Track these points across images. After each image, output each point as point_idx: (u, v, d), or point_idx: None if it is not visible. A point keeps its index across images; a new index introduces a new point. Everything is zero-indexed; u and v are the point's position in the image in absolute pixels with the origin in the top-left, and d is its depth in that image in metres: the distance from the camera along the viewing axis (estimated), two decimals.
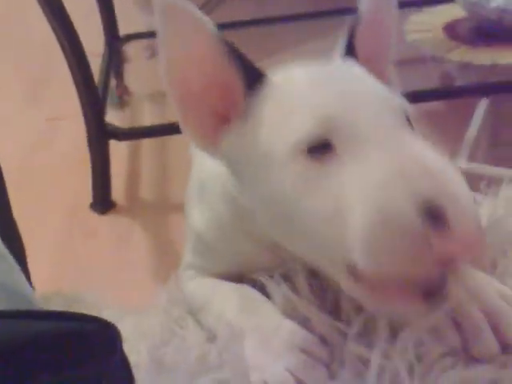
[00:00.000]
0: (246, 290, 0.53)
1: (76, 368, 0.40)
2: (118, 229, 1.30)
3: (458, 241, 0.37)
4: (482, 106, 1.23)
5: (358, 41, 0.52)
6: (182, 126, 0.49)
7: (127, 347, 0.58)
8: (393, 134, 0.42)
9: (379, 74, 0.50)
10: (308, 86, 0.47)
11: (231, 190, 0.52)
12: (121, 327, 0.64)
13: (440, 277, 0.39)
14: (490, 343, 0.44)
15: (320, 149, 0.42)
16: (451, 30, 1.42)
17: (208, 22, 0.46)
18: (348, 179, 0.40)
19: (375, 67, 0.51)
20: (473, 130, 1.16)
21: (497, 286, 0.47)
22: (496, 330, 0.44)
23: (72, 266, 1.21)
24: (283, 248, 0.49)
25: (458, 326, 0.45)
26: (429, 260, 0.37)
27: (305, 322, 0.48)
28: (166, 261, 1.18)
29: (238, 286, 0.54)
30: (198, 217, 0.58)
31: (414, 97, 1.42)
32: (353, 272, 0.40)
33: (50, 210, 1.35)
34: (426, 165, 0.39)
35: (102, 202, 1.34)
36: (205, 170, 0.57)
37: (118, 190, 1.37)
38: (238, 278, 0.56)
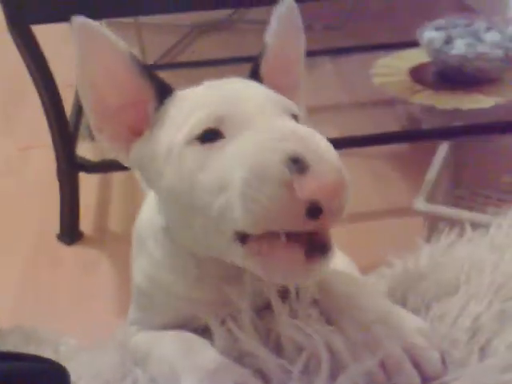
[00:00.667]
0: (185, 334, 0.55)
1: None
2: (85, 260, 1.30)
3: (318, 183, 0.40)
4: (443, 148, 1.26)
5: (264, 70, 0.57)
6: (95, 135, 0.53)
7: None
8: (270, 116, 0.47)
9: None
10: (204, 91, 0.52)
11: (159, 222, 0.55)
12: (75, 364, 0.65)
13: (320, 234, 0.44)
14: (412, 378, 0.46)
15: (211, 138, 0.47)
16: (416, 73, 1.47)
17: (122, 43, 0.51)
18: (228, 154, 0.45)
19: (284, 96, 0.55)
20: (433, 171, 1.20)
21: (415, 321, 0.49)
22: (417, 364, 0.46)
23: (36, 296, 1.21)
24: (224, 280, 0.52)
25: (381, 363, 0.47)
26: (295, 205, 0.40)
27: (245, 361, 0.49)
28: (130, 294, 1.18)
29: (178, 331, 0.56)
30: (137, 269, 0.60)
31: (378, 139, 1.47)
32: (241, 239, 0.45)
33: (17, 239, 1.35)
34: (294, 130, 0.44)
35: (70, 232, 1.35)
36: (140, 221, 0.60)
37: (86, 220, 1.38)
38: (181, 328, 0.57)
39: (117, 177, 1.51)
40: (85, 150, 1.40)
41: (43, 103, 1.26)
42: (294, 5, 0.57)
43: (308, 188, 0.40)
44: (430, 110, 1.39)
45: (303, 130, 0.45)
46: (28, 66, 1.21)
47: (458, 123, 1.36)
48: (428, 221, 1.13)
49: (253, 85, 0.53)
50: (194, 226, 0.49)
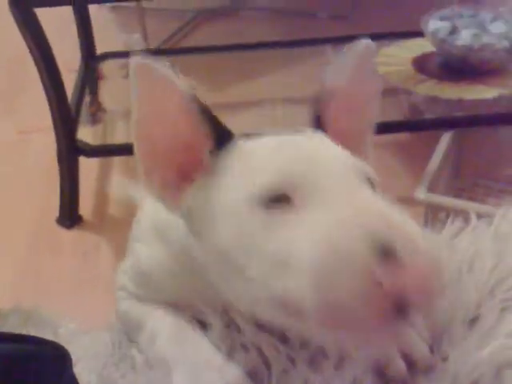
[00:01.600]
0: (181, 318, 0.54)
1: None
2: (84, 244, 1.30)
3: (408, 277, 0.35)
4: (445, 139, 1.26)
5: (328, 114, 0.52)
6: (144, 182, 0.48)
7: (80, 366, 0.59)
8: (350, 189, 0.42)
9: (354, 148, 0.49)
10: (273, 147, 0.47)
11: (186, 242, 0.51)
12: (75, 346, 0.65)
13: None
14: (399, 367, 0.47)
15: (279, 203, 0.42)
16: (420, 64, 1.46)
17: (181, 82, 0.47)
18: (302, 225, 0.40)
19: (350, 142, 0.50)
20: (435, 161, 1.19)
21: None
22: (406, 355, 0.47)
23: (36, 280, 1.21)
24: None
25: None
26: (378, 298, 0.35)
27: (239, 355, 0.49)
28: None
29: (173, 312, 0.55)
30: (148, 255, 0.57)
31: (381, 128, 1.46)
32: (302, 318, 0.39)
33: (16, 223, 1.35)
34: (380, 210, 0.39)
35: (69, 216, 1.35)
36: (161, 215, 0.56)
37: (85, 205, 1.38)
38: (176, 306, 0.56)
39: (117, 162, 1.50)
40: (85, 134, 1.39)
41: (45, 87, 1.25)
42: (373, 46, 0.53)
43: (397, 284, 0.35)
44: (433, 99, 1.39)
45: (388, 208, 0.39)
46: (30, 50, 1.20)
47: (460, 114, 1.36)
48: (429, 211, 1.13)
49: (329, 145, 0.48)
50: (230, 282, 0.45)
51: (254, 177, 0.44)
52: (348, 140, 0.50)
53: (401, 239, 0.36)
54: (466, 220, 0.61)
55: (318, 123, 0.52)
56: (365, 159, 0.48)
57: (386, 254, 0.35)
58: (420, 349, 0.47)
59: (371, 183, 0.45)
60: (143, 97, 0.47)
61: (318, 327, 0.39)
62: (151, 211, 0.59)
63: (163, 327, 0.53)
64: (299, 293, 0.38)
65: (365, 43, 0.52)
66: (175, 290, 0.56)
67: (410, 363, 0.47)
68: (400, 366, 0.47)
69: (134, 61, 0.45)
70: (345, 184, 0.42)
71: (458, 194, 1.29)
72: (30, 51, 1.20)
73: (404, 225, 0.38)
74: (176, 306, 0.56)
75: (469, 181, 1.33)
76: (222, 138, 0.48)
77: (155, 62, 0.46)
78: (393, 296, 0.35)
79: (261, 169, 0.44)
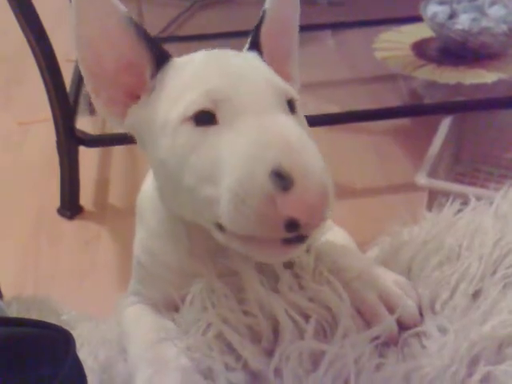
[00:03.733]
0: (164, 323, 0.56)
1: (29, 370, 0.41)
2: (85, 234, 1.30)
3: (300, 202, 0.41)
4: (446, 122, 1.26)
5: (262, 38, 0.56)
6: (92, 100, 0.53)
7: (85, 351, 0.59)
8: (265, 109, 0.46)
9: (281, 68, 0.55)
10: (202, 64, 0.51)
11: (156, 194, 0.56)
12: (79, 332, 0.65)
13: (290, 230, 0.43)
14: (389, 324, 0.49)
15: (205, 119, 0.47)
16: (419, 48, 1.46)
17: (120, 5, 0.50)
18: (222, 146, 0.45)
19: (278, 62, 0.56)
20: (435, 146, 1.19)
21: (393, 276, 0.52)
22: (392, 310, 0.49)
23: (37, 270, 1.21)
24: (215, 253, 0.53)
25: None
26: (275, 220, 0.41)
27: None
28: (131, 268, 1.18)
29: (160, 319, 0.57)
30: (137, 241, 0.61)
31: (381, 114, 1.46)
32: (221, 228, 0.46)
33: (17, 214, 1.34)
34: (282, 136, 0.44)
35: (70, 206, 1.34)
36: (142, 193, 0.61)
37: (86, 195, 1.37)
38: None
39: (117, 151, 1.50)
40: (84, 124, 1.39)
41: (43, 77, 1.25)
42: None
43: (289, 207, 0.41)
44: (432, 85, 1.38)
45: (294, 134, 0.44)
46: (28, 40, 1.20)
47: (460, 98, 1.35)
48: (430, 196, 1.13)
49: (253, 64, 0.53)
50: (180, 198, 0.49)
51: (184, 93, 0.48)
52: (277, 60, 0.56)
53: (296, 165, 0.42)
54: (467, 203, 0.61)
55: (256, 45, 0.56)
56: (290, 80, 0.55)
57: (282, 179, 0.41)
58: (407, 306, 0.49)
59: (291, 105, 0.50)
60: (83, 16, 0.50)
61: (232, 239, 0.45)
62: (138, 204, 0.62)
63: (143, 331, 0.55)
64: (219, 207, 0.44)
65: None
66: (167, 278, 0.58)
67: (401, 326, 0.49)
68: (387, 319, 0.49)
69: None
70: (262, 105, 0.47)
71: (458, 179, 1.29)
72: (28, 42, 1.20)
73: (302, 147, 0.43)
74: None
75: (469, 166, 1.33)
76: (161, 59, 0.52)
77: None
78: (286, 219, 0.41)
79: (189, 85, 0.49)
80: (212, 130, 0.46)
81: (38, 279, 1.18)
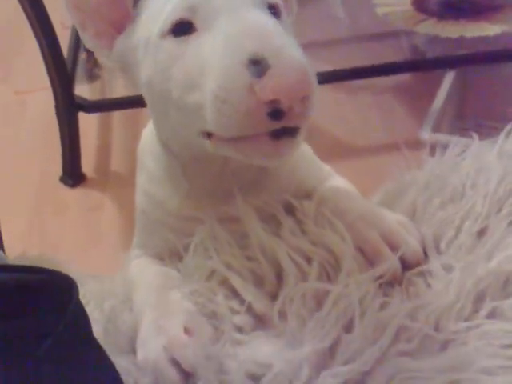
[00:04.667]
0: (168, 271, 0.56)
1: (32, 316, 0.41)
2: (88, 202, 1.29)
3: (278, 83, 0.40)
4: (449, 78, 1.24)
5: None
6: (80, 34, 0.53)
7: (93, 305, 0.59)
8: (239, 8, 0.46)
9: None
10: None
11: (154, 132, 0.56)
12: (84, 291, 0.65)
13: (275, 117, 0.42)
14: (391, 262, 0.48)
15: (184, 29, 0.47)
16: (419, 3, 1.43)
17: None
18: (202, 50, 0.45)
19: None
20: (438, 102, 1.18)
21: (396, 216, 0.52)
22: (395, 248, 0.49)
23: (41, 238, 1.21)
24: (213, 197, 0.53)
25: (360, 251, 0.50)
26: (258, 108, 0.40)
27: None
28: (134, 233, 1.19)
29: (164, 268, 0.57)
30: (138, 187, 0.61)
31: (382, 70, 1.43)
32: (209, 135, 0.46)
33: (20, 183, 1.34)
34: (259, 27, 0.44)
35: (72, 174, 1.34)
36: (142, 139, 0.62)
37: (88, 162, 1.37)
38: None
39: (116, 117, 1.49)
40: (83, 91, 1.38)
41: (40, 44, 1.23)
42: None
43: (267, 89, 0.40)
44: (435, 39, 1.36)
45: (269, 24, 0.44)
46: (24, 8, 1.18)
47: (462, 52, 1.33)
48: (433, 152, 1.12)
49: None
50: (170, 118, 0.49)
51: (163, 8, 0.48)
52: None
53: (270, 51, 0.41)
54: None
55: None
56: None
57: (258, 66, 0.40)
58: (410, 245, 0.49)
59: (276, 10, 0.49)
60: None
61: (221, 144, 0.45)
62: (140, 142, 0.62)
63: (148, 280, 0.56)
64: (205, 112, 0.44)
65: None
66: (166, 223, 0.58)
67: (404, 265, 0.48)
68: (389, 256, 0.48)
69: None
70: (236, 3, 0.46)
71: (461, 134, 1.27)
72: (24, 10, 1.18)
73: (276, 35, 0.43)
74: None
75: (472, 121, 1.31)
76: None
77: None
78: (266, 102, 0.40)
79: (169, 4, 0.48)
80: (191, 38, 0.46)
81: (42, 249, 1.18)
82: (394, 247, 0.49)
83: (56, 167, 1.33)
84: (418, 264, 0.49)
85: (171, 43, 0.47)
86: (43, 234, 1.23)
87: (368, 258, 0.50)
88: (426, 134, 1.09)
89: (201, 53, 0.45)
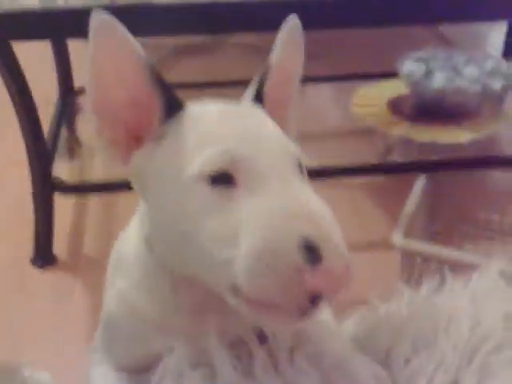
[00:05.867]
0: None
1: None
2: (58, 285, 1.27)
3: (328, 277, 0.42)
4: (421, 182, 1.27)
5: (266, 88, 0.57)
6: (97, 137, 0.52)
7: None
8: (285, 176, 0.47)
9: (282, 119, 0.57)
10: (219, 121, 0.51)
11: (141, 236, 0.55)
12: None
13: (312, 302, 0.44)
14: None
15: (223, 180, 0.46)
16: (395, 105, 1.48)
17: (137, 45, 0.50)
18: (243, 210, 0.45)
19: (279, 112, 0.57)
20: (410, 206, 1.20)
21: (373, 370, 0.52)
22: None
23: (8, 323, 1.18)
24: (200, 310, 0.53)
25: None
26: (300, 292, 0.42)
27: None
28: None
29: None
30: (111, 293, 0.60)
31: (355, 170, 1.47)
32: (236, 292, 0.45)
33: None
34: (308, 207, 0.45)
35: (43, 255, 1.32)
36: (123, 240, 0.61)
37: (60, 244, 1.35)
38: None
39: (92, 201, 1.48)
40: (62, 170, 1.38)
41: (20, 120, 1.23)
42: (298, 23, 0.59)
43: (317, 281, 0.41)
44: (408, 142, 1.41)
45: (314, 204, 0.46)
46: (5, 83, 1.18)
47: (435, 157, 1.37)
48: (405, 255, 1.14)
49: (266, 125, 0.53)
50: (186, 255, 0.48)
51: (200, 149, 0.47)
52: (278, 110, 0.58)
53: (323, 240, 0.43)
54: (442, 271, 0.62)
55: (258, 95, 0.57)
56: (289, 133, 0.56)
57: (311, 253, 0.42)
58: None
59: (301, 166, 0.51)
60: (100, 51, 0.50)
61: (246, 304, 0.45)
62: (113, 252, 0.63)
63: None
64: (235, 269, 0.44)
65: (291, 20, 0.58)
66: (143, 336, 0.57)
67: None
68: None
69: (96, 14, 0.48)
70: (281, 170, 0.47)
71: (433, 237, 1.30)
72: (5, 84, 1.18)
73: (325, 219, 0.45)
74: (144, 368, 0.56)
75: (444, 224, 1.34)
76: (172, 106, 0.52)
77: (116, 20, 0.49)
78: (311, 292, 0.42)
79: (204, 142, 0.48)
80: (230, 192, 0.46)
81: (8, 331, 1.15)
82: None
83: (28, 246, 1.31)
84: None
85: (208, 191, 0.46)
86: (10, 315, 1.19)
87: None
88: (399, 240, 1.11)
89: (242, 211, 0.45)
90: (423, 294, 0.59)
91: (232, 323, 0.54)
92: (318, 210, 0.45)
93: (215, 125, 0.50)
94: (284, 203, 0.44)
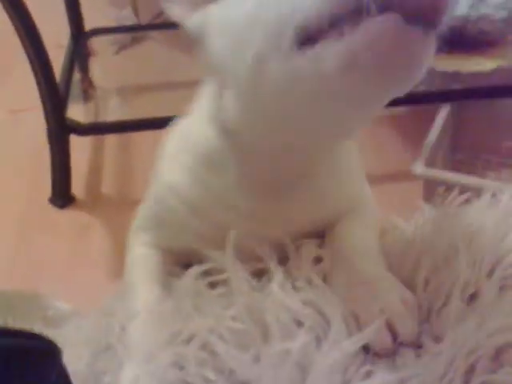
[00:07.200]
0: (163, 298, 0.54)
1: (16, 382, 0.40)
2: (77, 224, 1.28)
3: None
4: (443, 112, 1.24)
5: None
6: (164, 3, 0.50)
7: (69, 352, 0.57)
8: None
9: None
10: None
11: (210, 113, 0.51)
12: (64, 331, 0.63)
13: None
14: (384, 337, 0.46)
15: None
16: None
17: None
18: None
19: None
20: (433, 135, 1.17)
21: (402, 293, 0.48)
22: (390, 326, 0.46)
23: (28, 260, 1.20)
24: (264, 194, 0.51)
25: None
26: None
27: None
28: (123, 259, 1.17)
29: (160, 292, 0.55)
30: (173, 165, 0.56)
31: None
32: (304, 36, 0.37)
33: (8, 203, 1.33)
34: None
35: (62, 195, 1.33)
36: (182, 127, 0.57)
37: (78, 184, 1.36)
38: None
39: (108, 140, 1.48)
40: (77, 112, 1.37)
41: (32, 65, 1.22)
42: None
43: None
44: (430, 72, 1.36)
45: None
46: (15, 27, 1.17)
47: (458, 86, 1.33)
48: (426, 185, 1.11)
49: None
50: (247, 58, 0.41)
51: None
52: None
53: None
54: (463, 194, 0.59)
55: None
56: None
57: None
58: (408, 327, 0.46)
59: None
60: None
61: (323, 49, 0.36)
62: (177, 131, 0.58)
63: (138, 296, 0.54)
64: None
65: None
66: (196, 223, 0.55)
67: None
68: (385, 338, 0.46)
69: None
70: None
71: (456, 167, 1.27)
72: (15, 29, 1.18)
73: None
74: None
75: (467, 154, 1.31)
76: None
77: None
78: None
79: None
80: None
81: (29, 270, 1.17)
82: (391, 325, 0.46)
83: (46, 187, 1.32)
84: (411, 344, 0.46)
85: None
86: (30, 255, 1.21)
87: (362, 327, 0.46)
88: (419, 169, 1.08)
89: None
90: (446, 211, 0.56)
91: (279, 221, 0.53)
92: None
93: None
94: None
